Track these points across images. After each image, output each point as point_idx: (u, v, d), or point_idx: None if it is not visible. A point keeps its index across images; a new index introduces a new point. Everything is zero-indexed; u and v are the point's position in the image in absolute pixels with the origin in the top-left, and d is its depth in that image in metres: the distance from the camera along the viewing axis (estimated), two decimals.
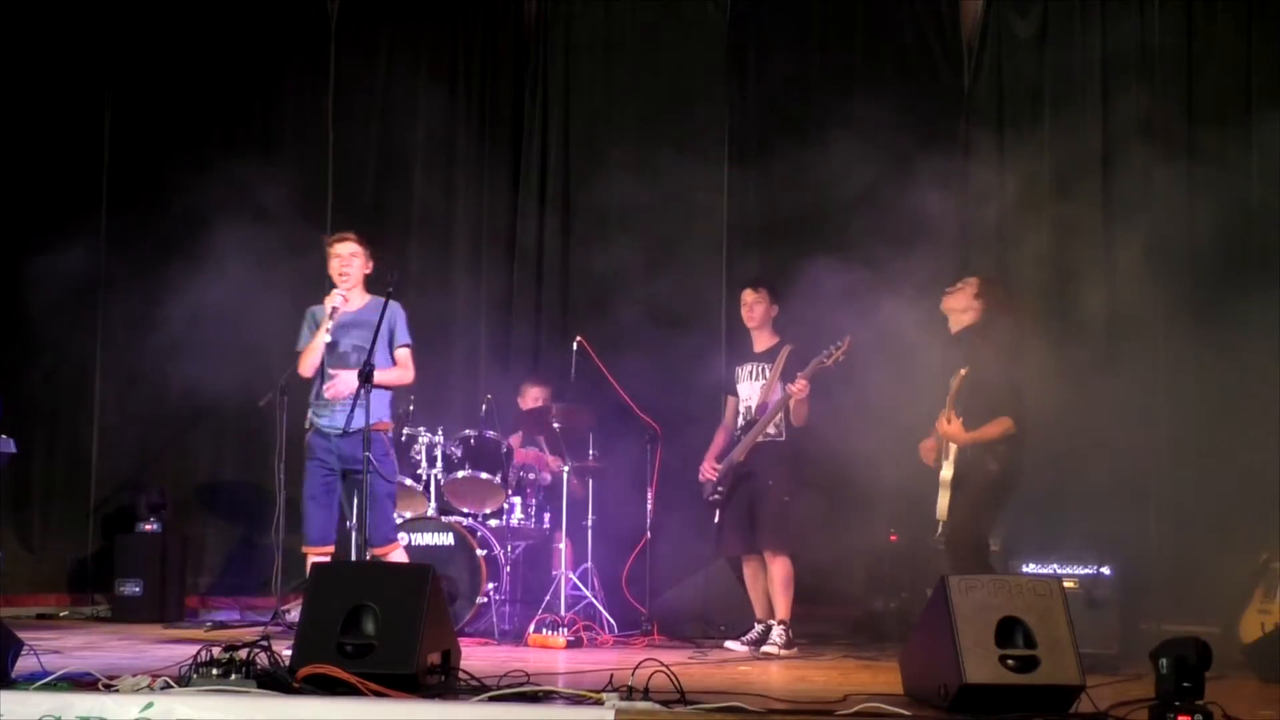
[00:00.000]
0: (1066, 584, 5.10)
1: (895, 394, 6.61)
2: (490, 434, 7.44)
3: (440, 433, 7.38)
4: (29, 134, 8.37)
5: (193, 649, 4.28)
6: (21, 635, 4.55)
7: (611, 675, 4.46)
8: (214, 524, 8.70)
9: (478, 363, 8.64)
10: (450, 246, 8.77)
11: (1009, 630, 4.22)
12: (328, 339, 5.94)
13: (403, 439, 7.28)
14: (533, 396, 7.86)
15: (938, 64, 8.34)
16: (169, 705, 3.88)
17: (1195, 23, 7.62)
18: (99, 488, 8.63)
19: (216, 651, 4.17)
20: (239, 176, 8.10)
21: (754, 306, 6.89)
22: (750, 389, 6.84)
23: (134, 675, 4.24)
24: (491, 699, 4.15)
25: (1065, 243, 7.63)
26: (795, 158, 7.86)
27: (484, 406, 7.68)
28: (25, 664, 4.45)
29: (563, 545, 7.23)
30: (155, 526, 8.15)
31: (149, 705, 3.88)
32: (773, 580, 6.61)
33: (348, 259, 6.08)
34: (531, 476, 7.56)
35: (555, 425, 7.36)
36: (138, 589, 7.99)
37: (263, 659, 4.18)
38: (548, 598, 7.01)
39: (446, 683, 4.48)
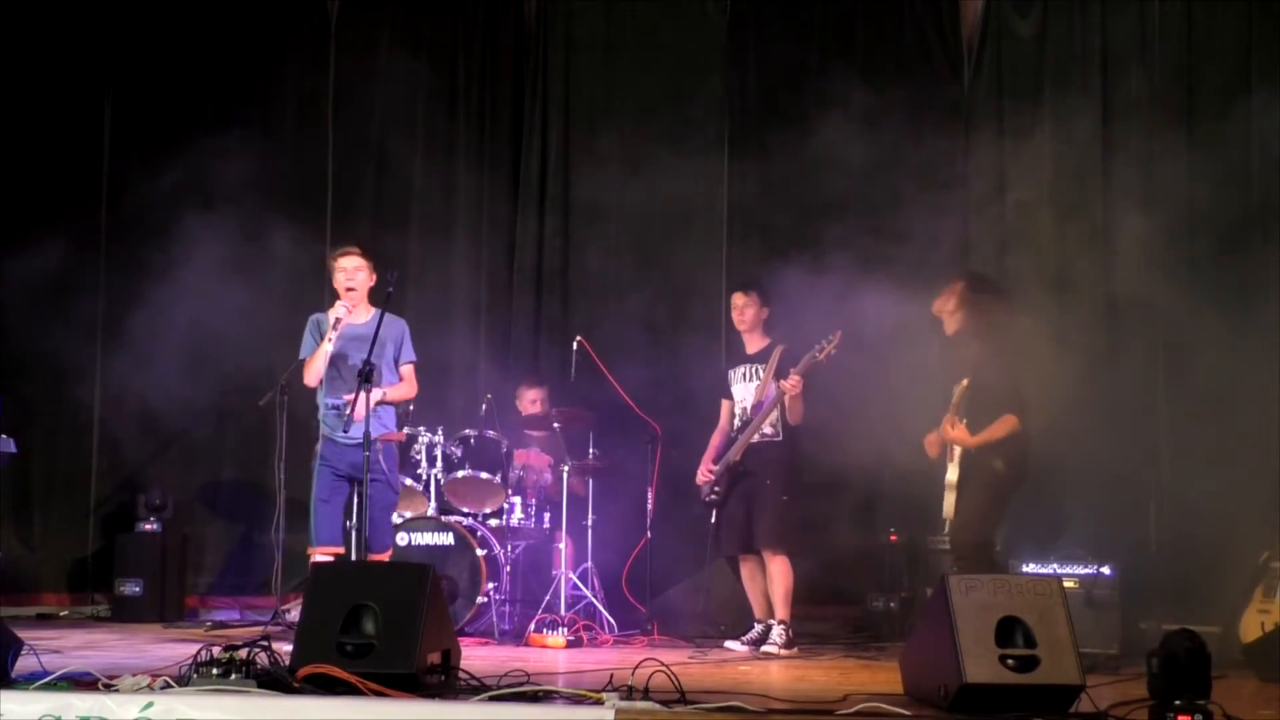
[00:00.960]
0: (1066, 584, 5.08)
1: (894, 392, 6.61)
2: (490, 434, 7.44)
3: (440, 432, 7.38)
4: (29, 134, 8.35)
5: (193, 649, 4.28)
6: (21, 635, 4.55)
7: (611, 675, 4.46)
8: (214, 524, 8.69)
9: (478, 362, 8.63)
10: (450, 245, 8.75)
11: (1009, 630, 4.21)
12: (330, 348, 5.95)
13: (403, 439, 7.27)
14: (530, 399, 7.83)
15: (937, 63, 8.34)
16: (169, 705, 3.88)
17: (1195, 23, 7.62)
18: (99, 488, 8.62)
19: (216, 651, 4.16)
20: (239, 176, 8.11)
21: (745, 309, 6.86)
22: (744, 390, 6.82)
23: (134, 675, 4.23)
24: (491, 699, 4.15)
25: (1064, 241, 7.62)
26: (795, 157, 7.85)
27: (484, 406, 7.67)
28: (25, 664, 4.44)
29: (563, 545, 7.23)
30: (155, 526, 8.14)
31: (149, 705, 3.87)
32: (771, 580, 6.59)
33: (353, 273, 6.09)
34: (532, 477, 7.56)
35: (555, 426, 7.37)
36: (138, 589, 7.99)
37: (263, 659, 4.18)
38: (548, 597, 7.00)
39: (446, 682, 4.47)
